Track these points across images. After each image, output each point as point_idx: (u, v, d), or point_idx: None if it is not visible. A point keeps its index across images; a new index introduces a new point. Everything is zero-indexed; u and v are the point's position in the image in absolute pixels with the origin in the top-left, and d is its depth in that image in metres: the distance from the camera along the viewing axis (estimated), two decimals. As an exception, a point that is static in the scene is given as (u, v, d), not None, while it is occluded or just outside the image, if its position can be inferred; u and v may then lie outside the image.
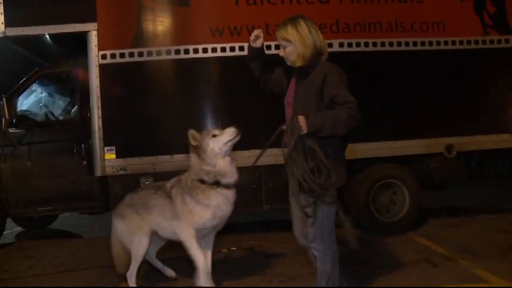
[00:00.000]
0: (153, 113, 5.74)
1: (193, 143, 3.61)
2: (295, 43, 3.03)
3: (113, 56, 5.64)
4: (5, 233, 6.68)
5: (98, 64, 5.62)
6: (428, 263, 4.52)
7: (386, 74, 5.78)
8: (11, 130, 6.01)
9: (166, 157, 5.68)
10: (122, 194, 5.71)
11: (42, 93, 7.15)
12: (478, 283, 3.88)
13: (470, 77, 5.99)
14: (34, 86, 6.74)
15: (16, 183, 6.12)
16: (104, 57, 5.63)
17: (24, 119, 6.34)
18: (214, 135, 3.66)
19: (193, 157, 3.70)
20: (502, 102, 6.14)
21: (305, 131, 2.90)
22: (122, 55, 5.64)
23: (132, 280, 3.99)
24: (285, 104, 3.31)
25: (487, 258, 4.57)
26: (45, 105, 7.07)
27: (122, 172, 5.67)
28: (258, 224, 6.95)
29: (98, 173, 5.69)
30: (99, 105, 5.63)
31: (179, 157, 5.65)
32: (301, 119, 2.90)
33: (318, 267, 3.08)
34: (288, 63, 3.19)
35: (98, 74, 5.63)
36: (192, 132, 3.65)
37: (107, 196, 5.92)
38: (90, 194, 6.10)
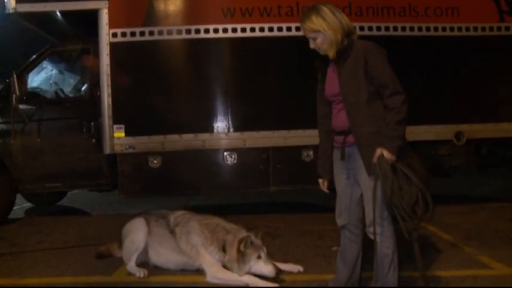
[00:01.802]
0: (162, 92, 5.79)
1: (241, 249, 3.61)
2: (324, 32, 2.94)
3: (123, 34, 5.67)
4: (14, 208, 6.81)
5: (108, 42, 5.67)
6: (434, 249, 4.54)
7: (397, 59, 5.70)
8: (21, 107, 6.06)
9: (175, 136, 5.73)
10: (130, 172, 5.82)
11: (52, 70, 7.18)
12: (483, 269, 3.90)
13: (483, 64, 5.94)
14: (45, 63, 6.78)
15: (26, 159, 6.21)
16: (114, 35, 5.66)
17: (35, 96, 6.39)
18: (259, 257, 3.65)
19: (234, 252, 3.67)
20: (512, 90, 6.09)
21: (394, 159, 2.82)
22: (133, 34, 5.67)
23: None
24: (327, 98, 3.18)
25: (493, 246, 4.57)
26: (55, 83, 7.11)
27: (130, 150, 5.74)
28: (266, 206, 6.99)
29: (107, 150, 5.76)
30: (109, 83, 5.68)
31: (188, 137, 5.72)
32: (382, 152, 2.80)
33: (379, 252, 3.01)
34: (322, 53, 3.08)
35: (108, 53, 5.68)
36: (247, 240, 3.64)
37: (115, 174, 6.00)
38: (98, 172, 6.18)
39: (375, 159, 2.84)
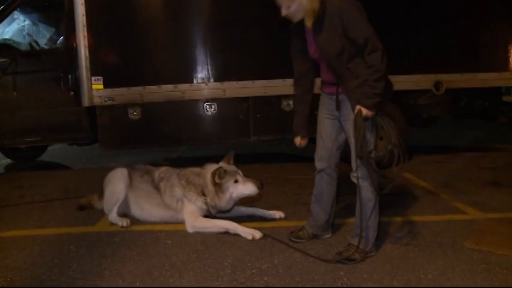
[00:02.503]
0: (141, 43, 5.68)
1: (217, 180, 3.71)
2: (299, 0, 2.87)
3: (98, -18, 5.49)
4: (-7, 164, 6.76)
5: (83, -9, 5.48)
6: (411, 195, 4.66)
7: (375, 9, 5.65)
8: (-7, 59, 5.89)
9: (154, 87, 5.68)
10: (109, 124, 5.78)
11: (25, 21, 6.96)
12: (457, 214, 4.03)
13: (462, 15, 5.91)
14: (16, 14, 6.56)
15: (3, 114, 6.11)
16: (89, -17, 5.47)
17: (8, 48, 6.19)
18: (236, 181, 3.73)
19: (211, 186, 3.77)
20: (492, 40, 6.10)
21: (372, 114, 2.90)
22: (109, -19, 5.49)
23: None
24: (310, 57, 3.16)
25: (467, 192, 4.73)
26: (28, 34, 6.91)
27: (109, 102, 5.67)
28: (247, 156, 7.04)
29: (86, 103, 5.68)
30: (85, 34, 5.53)
31: (167, 87, 5.67)
32: (360, 110, 2.87)
33: (363, 196, 3.10)
34: (294, 21, 3.02)
35: (83, 2, 5.49)
36: (219, 171, 3.70)
37: (94, 127, 5.95)
38: (77, 125, 6.09)
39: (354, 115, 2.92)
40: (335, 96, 3.12)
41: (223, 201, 3.76)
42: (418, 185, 5.10)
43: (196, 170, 3.97)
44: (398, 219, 3.92)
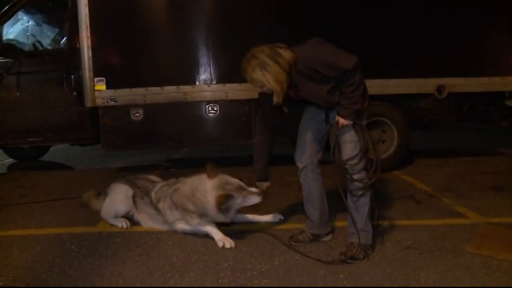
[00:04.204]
0: (144, 44, 5.69)
1: (223, 208, 3.49)
2: (270, 84, 2.95)
3: (102, -17, 5.51)
4: (-4, 164, 6.79)
5: (86, -8, 5.50)
6: (412, 199, 4.66)
7: (378, 9, 5.70)
8: (-3, 59, 5.92)
9: (157, 89, 5.69)
10: (112, 125, 5.80)
11: (28, 22, 7.00)
12: (458, 218, 4.03)
13: (464, 18, 5.89)
14: (20, 14, 6.61)
15: (5, 113, 6.16)
16: (93, -16, 5.49)
17: (11, 48, 6.25)
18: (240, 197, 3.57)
19: (214, 212, 3.53)
20: (496, 44, 6.07)
21: (350, 123, 3.08)
22: (113, -18, 5.51)
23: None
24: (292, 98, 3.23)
25: (469, 196, 4.71)
26: (32, 35, 6.95)
27: (112, 103, 5.69)
28: (248, 158, 7.04)
29: (88, 103, 5.70)
30: (89, 35, 5.55)
31: (170, 89, 5.68)
32: (338, 120, 3.09)
33: (353, 194, 3.20)
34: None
35: (86, 3, 5.51)
36: (227, 199, 3.50)
37: (97, 128, 5.96)
38: (80, 126, 6.14)
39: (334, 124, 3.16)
40: (323, 109, 3.24)
41: (228, 218, 3.62)
42: (419, 188, 5.09)
43: (187, 192, 3.69)
44: (399, 222, 3.92)
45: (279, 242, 3.50)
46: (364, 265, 3.08)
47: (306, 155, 3.38)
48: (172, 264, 3.16)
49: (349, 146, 3.15)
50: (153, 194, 3.96)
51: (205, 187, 3.60)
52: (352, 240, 3.24)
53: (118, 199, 4.08)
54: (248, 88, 5.54)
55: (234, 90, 5.67)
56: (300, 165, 3.42)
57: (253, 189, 3.58)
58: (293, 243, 3.46)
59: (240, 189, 3.57)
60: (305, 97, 3.13)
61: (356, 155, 3.13)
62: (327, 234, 3.56)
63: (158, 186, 4.02)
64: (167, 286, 2.85)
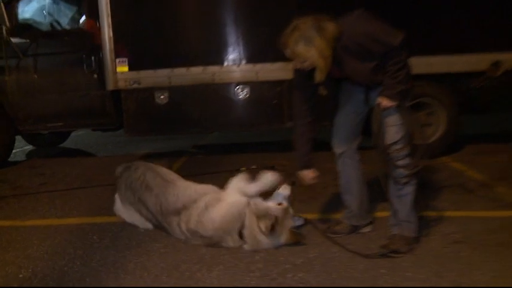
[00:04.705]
0: (168, 22, 5.73)
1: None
2: (313, 59, 2.92)
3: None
4: (15, 151, 6.97)
5: (106, -34, 5.56)
6: (462, 188, 4.57)
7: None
8: (13, 40, 6.05)
9: (183, 70, 5.73)
10: (135, 109, 5.87)
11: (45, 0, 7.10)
12: (510, 211, 3.93)
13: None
14: (36, -9, 6.72)
15: (23, 97, 6.30)
16: (113, -44, 5.55)
17: (28, 28, 6.36)
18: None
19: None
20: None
21: (394, 104, 2.99)
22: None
23: None
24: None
25: (527, 185, 4.60)
26: (49, 14, 7.03)
27: (135, 86, 5.77)
28: (281, 144, 7.04)
29: (110, 86, 5.80)
30: (109, 12, 5.62)
31: (196, 70, 5.71)
32: (381, 101, 2.99)
33: (397, 181, 3.15)
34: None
35: (106, -22, 5.58)
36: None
37: (120, 112, 6.07)
38: (102, 110, 6.24)
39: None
40: (364, 88, 3.19)
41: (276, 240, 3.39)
42: (471, 176, 4.99)
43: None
44: (449, 214, 3.84)
45: (313, 234, 3.49)
46: (408, 259, 3.04)
47: (344, 140, 3.36)
48: (201, 257, 3.20)
49: (393, 129, 3.09)
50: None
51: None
52: (395, 232, 3.21)
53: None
54: (281, 68, 5.53)
55: (265, 71, 5.65)
56: (337, 151, 3.39)
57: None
58: (329, 235, 3.45)
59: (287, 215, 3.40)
60: (347, 75, 3.10)
61: (400, 139, 3.08)
62: (367, 225, 3.54)
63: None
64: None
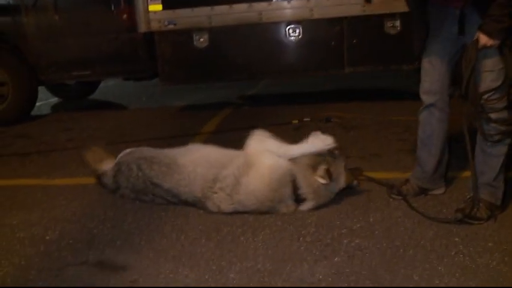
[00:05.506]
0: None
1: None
2: None
3: None
4: (39, 104, 7.16)
5: None
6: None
7: None
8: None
9: (225, 7, 5.71)
10: (171, 54, 5.90)
11: None
12: None
13: None
14: None
15: (44, 42, 6.39)
16: None
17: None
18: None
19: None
20: None
21: (494, 43, 2.80)
22: None
23: None
24: None
25: None
26: None
27: (170, 27, 5.79)
28: (339, 93, 6.99)
29: (142, 28, 5.84)
30: None
31: (240, 7, 5.68)
32: (479, 38, 2.80)
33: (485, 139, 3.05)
34: None
35: None
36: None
37: (154, 58, 6.11)
38: (133, 55, 6.28)
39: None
40: (459, 12, 2.97)
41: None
42: None
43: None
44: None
45: (374, 195, 3.47)
46: (488, 227, 2.97)
47: (437, 87, 3.20)
48: (244, 219, 3.24)
49: (490, 75, 2.92)
50: None
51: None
52: (475, 195, 3.11)
53: None
54: (339, 3, 5.42)
55: (321, 7, 5.55)
56: (427, 100, 3.25)
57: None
58: (393, 196, 3.43)
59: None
60: None
61: (498, 88, 2.91)
62: (438, 188, 3.48)
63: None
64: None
